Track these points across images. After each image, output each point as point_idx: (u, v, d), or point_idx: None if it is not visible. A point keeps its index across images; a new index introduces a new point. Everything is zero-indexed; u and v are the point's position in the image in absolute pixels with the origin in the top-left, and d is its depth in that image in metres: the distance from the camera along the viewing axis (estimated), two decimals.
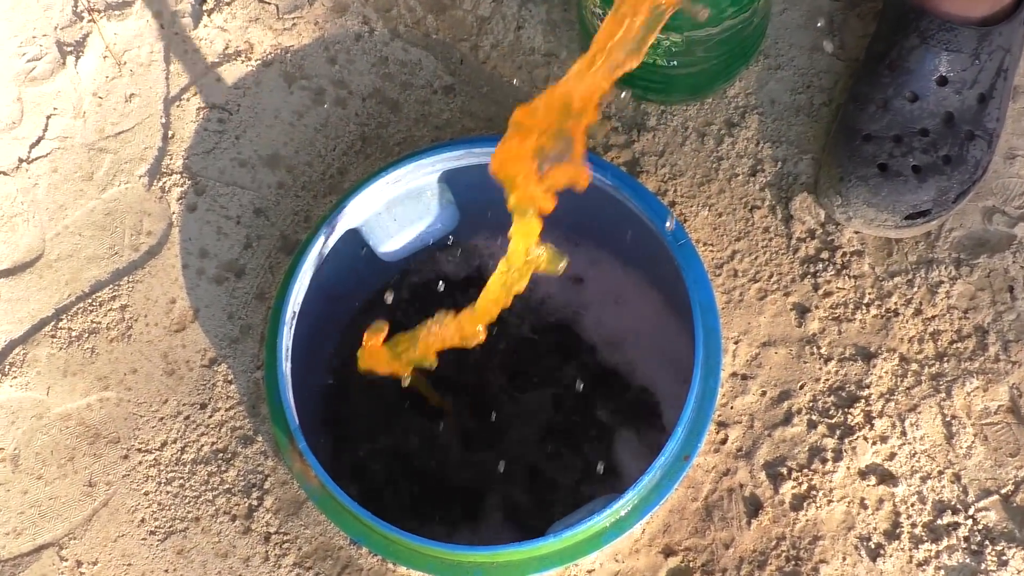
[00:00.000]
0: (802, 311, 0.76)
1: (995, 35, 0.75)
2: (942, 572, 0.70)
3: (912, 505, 0.72)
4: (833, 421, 0.74)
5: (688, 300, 0.67)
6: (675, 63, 0.75)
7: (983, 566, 0.70)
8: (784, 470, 0.73)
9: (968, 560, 0.71)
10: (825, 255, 0.77)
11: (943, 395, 0.75)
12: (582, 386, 0.75)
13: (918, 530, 0.72)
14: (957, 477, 0.73)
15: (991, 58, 0.76)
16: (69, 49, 0.80)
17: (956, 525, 0.72)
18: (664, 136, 0.80)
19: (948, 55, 0.75)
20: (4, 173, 0.78)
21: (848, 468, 0.73)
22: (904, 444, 0.74)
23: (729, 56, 0.77)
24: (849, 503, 0.73)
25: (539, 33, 0.82)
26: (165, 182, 0.78)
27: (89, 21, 0.81)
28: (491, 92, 0.82)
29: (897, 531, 0.72)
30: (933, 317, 0.76)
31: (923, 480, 0.73)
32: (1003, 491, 0.73)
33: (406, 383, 0.67)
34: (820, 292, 0.76)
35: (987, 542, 0.71)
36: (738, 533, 0.72)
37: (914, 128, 0.76)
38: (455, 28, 0.83)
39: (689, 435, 0.66)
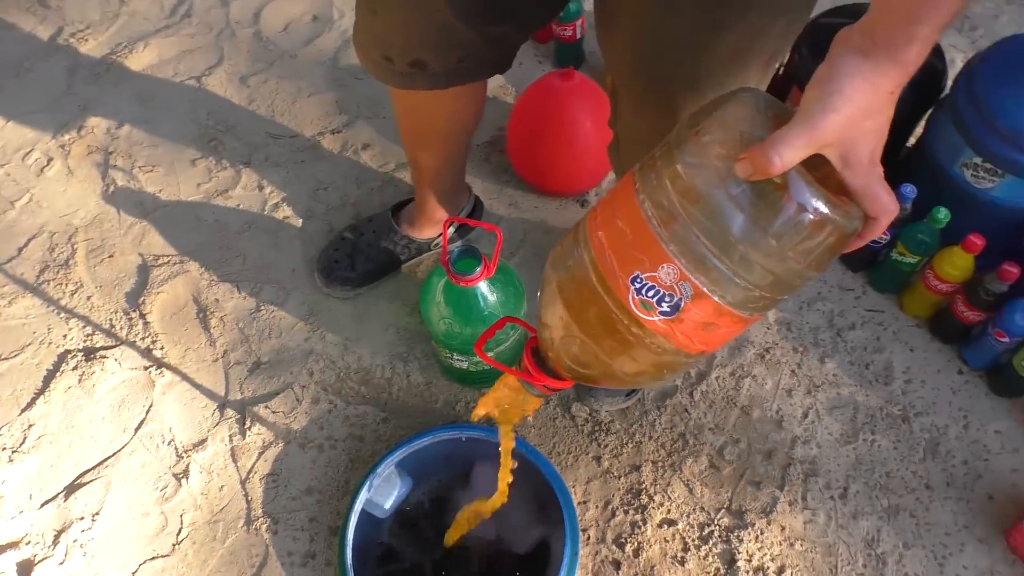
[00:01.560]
0: (598, 458, 1.37)
1: None
2: (716, 560, 1.30)
3: (691, 528, 1.32)
4: (635, 506, 1.33)
5: (550, 483, 1.26)
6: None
7: (734, 545, 1.29)
8: (622, 540, 1.31)
9: (723, 547, 1.31)
10: (597, 427, 1.40)
11: (678, 470, 1.36)
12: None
13: (693, 540, 1.30)
14: (703, 509, 1.34)
15: None
16: (180, 475, 1.34)
17: (711, 531, 1.32)
18: None
19: None
20: (165, 556, 1.27)
21: (652, 525, 1.32)
22: (671, 502, 1.33)
23: None
24: (660, 540, 1.31)
25: (419, 375, 1.43)
26: (257, 524, 1.29)
27: (186, 456, 1.35)
28: (406, 412, 1.40)
29: (688, 548, 1.30)
30: (658, 436, 1.39)
31: (685, 517, 1.32)
32: (724, 507, 1.34)
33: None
34: (602, 445, 1.38)
35: (731, 534, 1.31)
36: None
37: None
38: (377, 388, 1.42)
39: (572, 540, 1.23)
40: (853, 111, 0.53)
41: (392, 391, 1.37)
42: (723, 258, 0.57)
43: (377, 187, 1.59)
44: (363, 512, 1.20)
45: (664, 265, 0.59)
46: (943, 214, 1.32)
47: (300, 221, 1.53)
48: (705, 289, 0.58)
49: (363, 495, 1.19)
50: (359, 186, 1.59)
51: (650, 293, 0.60)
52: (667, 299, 0.60)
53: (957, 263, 1.35)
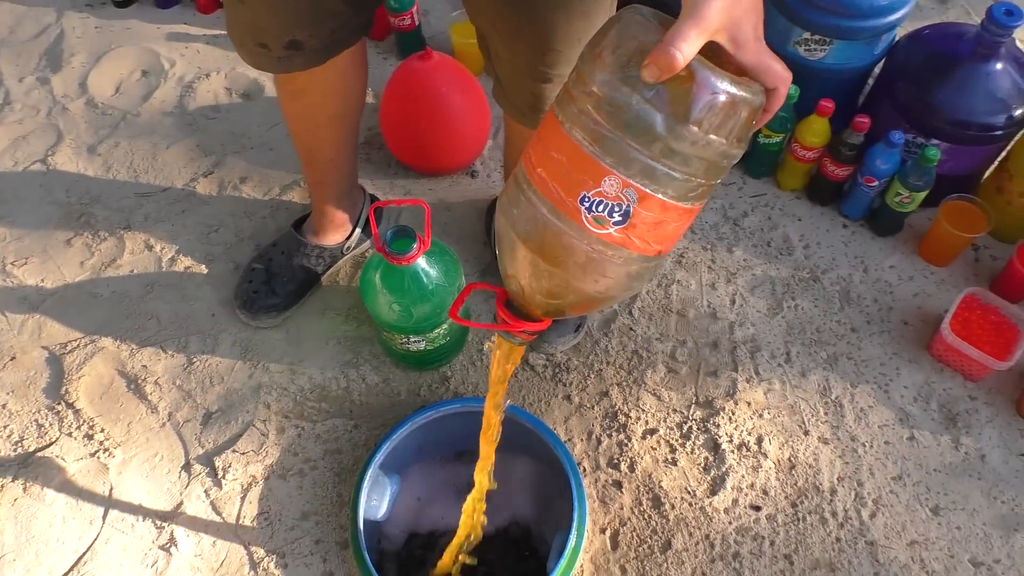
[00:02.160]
0: (567, 396, 1.40)
1: None
2: (702, 451, 1.37)
3: (671, 430, 1.39)
4: (615, 427, 1.38)
5: (536, 429, 1.28)
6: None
7: (713, 433, 1.36)
8: (615, 461, 1.35)
9: (704, 438, 1.38)
10: (557, 369, 1.44)
11: (642, 384, 1.42)
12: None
13: (676, 440, 1.36)
14: (675, 410, 1.41)
15: None
16: (166, 545, 1.23)
17: (690, 427, 1.39)
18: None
19: None
20: None
21: (636, 439, 1.38)
22: (646, 413, 1.39)
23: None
24: (648, 450, 1.37)
25: (374, 375, 1.41)
26: (264, 564, 1.22)
27: (167, 525, 1.27)
28: (374, 413, 1.36)
29: (674, 448, 1.36)
30: (614, 360, 1.45)
31: (663, 422, 1.39)
32: (693, 402, 1.39)
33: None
34: (567, 384, 1.42)
35: (707, 424, 1.39)
36: (619, 500, 1.31)
37: None
38: (337, 400, 1.39)
39: (573, 474, 1.26)
40: None
41: (353, 398, 1.36)
42: (656, 156, 0.62)
43: (268, 214, 1.56)
44: (367, 522, 1.19)
45: (606, 178, 0.63)
46: (793, 90, 1.45)
47: (203, 267, 1.48)
48: (648, 190, 0.63)
49: (363, 498, 1.17)
50: (250, 218, 1.55)
51: (600, 208, 0.64)
52: (616, 209, 0.64)
53: (816, 129, 1.49)
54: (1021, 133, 1.45)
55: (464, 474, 1.26)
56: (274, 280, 1.40)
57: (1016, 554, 1.24)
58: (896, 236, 1.56)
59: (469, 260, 1.49)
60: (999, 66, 1.40)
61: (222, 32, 1.84)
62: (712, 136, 0.61)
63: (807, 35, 1.45)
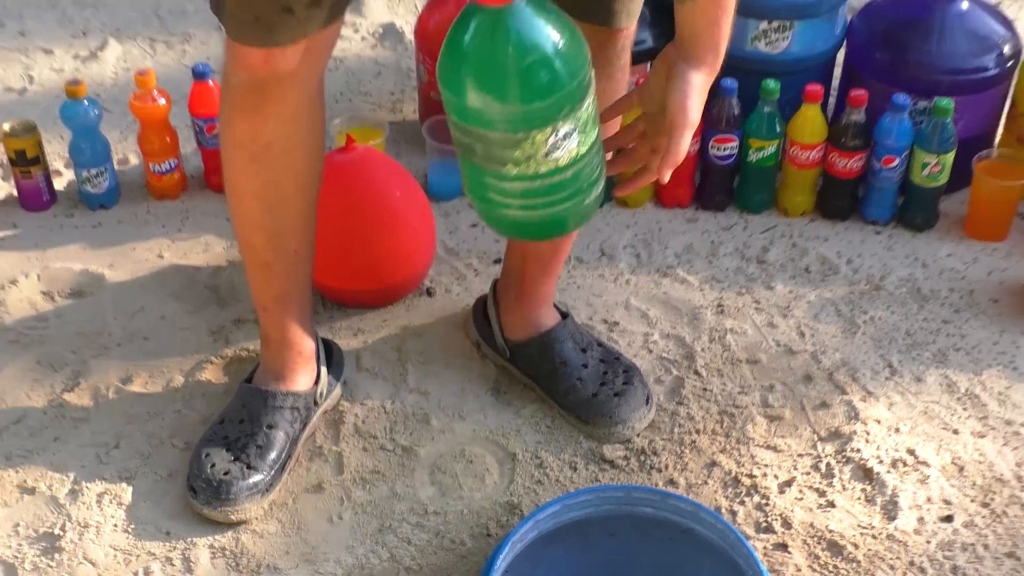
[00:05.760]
0: (670, 481, 1.73)
1: None
2: (855, 483, 1.76)
3: (808, 474, 1.78)
4: (743, 493, 1.69)
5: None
6: None
7: (857, 460, 1.77)
8: (763, 524, 1.66)
9: (851, 467, 1.78)
10: (642, 455, 1.76)
11: (750, 439, 1.78)
12: None
13: (820, 482, 1.71)
14: (804, 455, 1.77)
15: None
16: None
17: (829, 465, 1.78)
18: None
19: None
20: None
21: (774, 494, 1.72)
22: (770, 467, 1.75)
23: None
24: (793, 503, 1.71)
25: (423, 533, 1.66)
26: None
27: None
28: (442, 573, 1.63)
29: (822, 492, 1.71)
30: (703, 427, 1.82)
31: (794, 469, 1.75)
32: (818, 440, 1.83)
33: None
34: (663, 467, 1.73)
35: (842, 454, 1.78)
36: (791, 561, 1.61)
37: None
38: (391, 575, 1.65)
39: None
40: None
41: (406, 565, 1.61)
42: None
43: (182, 407, 1.83)
44: None
45: None
46: (773, 83, 2.06)
47: (123, 488, 1.71)
48: None
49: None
50: (159, 419, 1.81)
51: None
52: None
53: (811, 120, 2.10)
54: (1017, 74, 2.14)
55: None
56: (246, 454, 1.66)
57: None
58: (935, 229, 2.16)
59: (472, 381, 1.86)
60: (965, 6, 2.11)
61: (12, 232, 2.18)
62: None
63: (764, 25, 2.09)
